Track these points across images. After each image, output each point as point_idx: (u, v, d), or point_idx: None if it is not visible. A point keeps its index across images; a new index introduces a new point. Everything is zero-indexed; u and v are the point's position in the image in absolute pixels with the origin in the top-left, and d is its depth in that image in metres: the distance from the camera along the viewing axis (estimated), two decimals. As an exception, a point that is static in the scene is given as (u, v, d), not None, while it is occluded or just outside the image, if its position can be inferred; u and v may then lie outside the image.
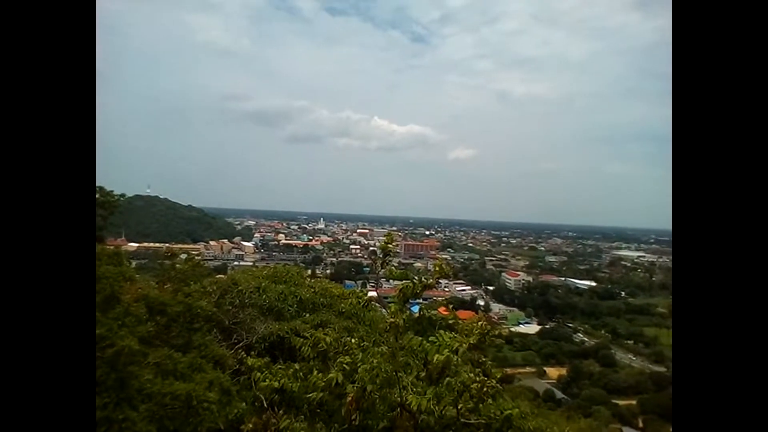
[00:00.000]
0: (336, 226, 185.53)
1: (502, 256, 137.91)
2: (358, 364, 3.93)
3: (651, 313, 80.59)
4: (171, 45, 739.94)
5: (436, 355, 3.68)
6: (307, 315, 9.20)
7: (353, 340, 4.39)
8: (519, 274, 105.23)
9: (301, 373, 4.19)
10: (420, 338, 3.92)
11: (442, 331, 3.99)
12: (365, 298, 4.75)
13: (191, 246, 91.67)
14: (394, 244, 4.76)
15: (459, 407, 3.81)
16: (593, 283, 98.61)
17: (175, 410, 4.45)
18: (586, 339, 71.80)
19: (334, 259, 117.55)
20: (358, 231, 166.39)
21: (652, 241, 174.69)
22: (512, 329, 69.55)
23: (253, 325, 7.93)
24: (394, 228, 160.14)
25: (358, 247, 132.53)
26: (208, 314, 7.12)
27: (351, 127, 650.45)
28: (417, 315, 4.30)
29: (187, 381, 4.90)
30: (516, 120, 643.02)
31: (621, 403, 46.93)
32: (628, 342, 71.12)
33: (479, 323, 3.97)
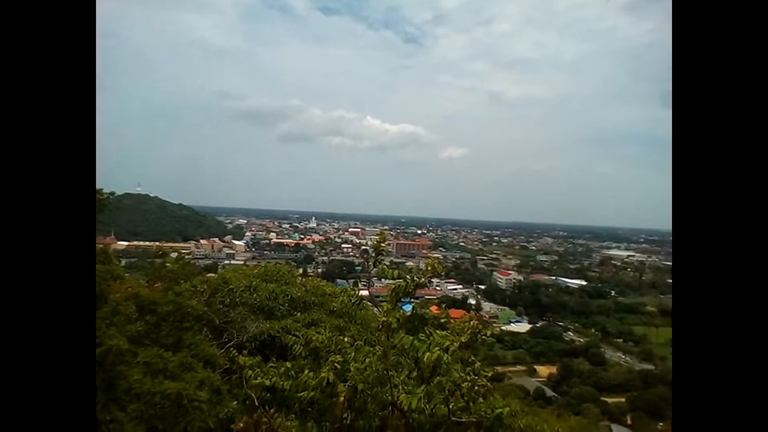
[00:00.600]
0: (328, 225, 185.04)
1: (494, 255, 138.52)
2: (350, 364, 3.93)
3: (640, 311, 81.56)
4: (163, 43, 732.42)
5: (427, 354, 3.68)
6: (299, 314, 9.17)
7: (346, 339, 4.39)
8: (510, 273, 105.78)
9: (292, 372, 4.18)
10: (411, 337, 3.92)
11: (433, 329, 3.99)
12: (357, 295, 4.74)
13: (182, 245, 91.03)
14: (386, 243, 4.76)
15: (450, 406, 3.83)
16: (583, 282, 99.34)
17: (165, 410, 4.42)
18: (576, 337, 72.40)
19: (326, 258, 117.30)
20: (350, 230, 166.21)
21: (641, 240, 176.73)
22: (503, 328, 70.04)
23: (244, 324, 7.90)
24: (386, 227, 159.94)
25: (350, 246, 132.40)
26: (199, 313, 7.08)
27: (343, 127, 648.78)
28: (409, 314, 4.30)
29: (178, 380, 4.87)
30: (508, 120, 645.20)
31: (610, 400, 47.47)
32: (618, 340, 71.89)
33: (471, 323, 3.97)
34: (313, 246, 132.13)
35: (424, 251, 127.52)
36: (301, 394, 4.01)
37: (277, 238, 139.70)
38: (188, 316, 6.68)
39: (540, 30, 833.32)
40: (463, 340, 3.84)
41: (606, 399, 47.75)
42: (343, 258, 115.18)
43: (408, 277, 4.31)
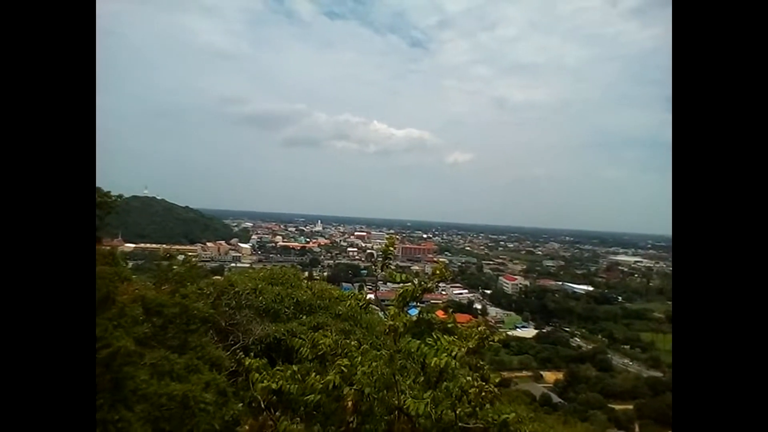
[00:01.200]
0: (333, 228, 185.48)
1: (500, 260, 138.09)
2: (357, 367, 3.90)
3: (648, 318, 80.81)
4: (169, 47, 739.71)
5: (434, 359, 3.65)
6: (304, 317, 9.18)
7: (353, 343, 4.36)
8: (516, 278, 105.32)
9: (298, 375, 4.16)
10: (418, 342, 3.89)
11: (440, 334, 3.97)
12: (364, 299, 4.72)
13: (188, 247, 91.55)
14: (393, 247, 4.74)
15: (457, 411, 3.79)
16: (590, 288, 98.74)
17: (171, 411, 4.43)
18: (582, 343, 71.85)
19: (332, 261, 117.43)
20: (356, 234, 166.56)
21: (649, 246, 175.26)
22: (509, 333, 69.55)
23: (250, 327, 7.91)
24: (392, 231, 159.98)
25: (356, 249, 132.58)
26: (205, 316, 7.11)
27: (349, 131, 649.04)
28: (416, 318, 4.28)
29: (184, 382, 4.87)
30: (513, 125, 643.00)
31: (617, 407, 47.01)
32: (625, 347, 71.28)
33: (479, 328, 3.94)
34: (318, 249, 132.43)
35: (430, 255, 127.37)
36: (307, 397, 3.99)
37: (283, 242, 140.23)
38: (195, 319, 6.70)
39: (544, 34, 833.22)
40: (471, 346, 3.81)
41: (613, 406, 47.31)
42: (349, 261, 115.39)
43: (416, 281, 4.29)
